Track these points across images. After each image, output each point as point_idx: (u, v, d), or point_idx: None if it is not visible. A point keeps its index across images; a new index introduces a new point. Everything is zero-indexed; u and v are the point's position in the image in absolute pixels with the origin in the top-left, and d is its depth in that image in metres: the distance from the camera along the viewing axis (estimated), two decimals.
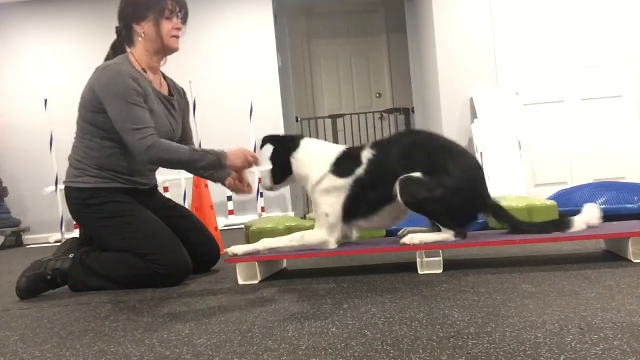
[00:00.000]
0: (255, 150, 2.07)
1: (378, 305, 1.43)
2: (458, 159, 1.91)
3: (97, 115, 2.09)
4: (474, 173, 1.93)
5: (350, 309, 1.42)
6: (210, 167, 2.09)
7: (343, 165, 1.95)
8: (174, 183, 5.18)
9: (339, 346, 1.10)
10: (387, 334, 1.16)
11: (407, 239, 1.89)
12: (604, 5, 5.02)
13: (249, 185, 2.28)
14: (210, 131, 5.22)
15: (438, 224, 1.91)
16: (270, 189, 2.13)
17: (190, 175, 3.84)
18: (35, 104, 5.49)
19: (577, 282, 1.52)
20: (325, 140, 6.99)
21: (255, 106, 5.42)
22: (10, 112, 5.82)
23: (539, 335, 1.05)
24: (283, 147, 2.06)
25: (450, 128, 5.19)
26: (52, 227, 5.54)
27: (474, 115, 5.06)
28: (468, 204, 1.90)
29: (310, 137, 2.11)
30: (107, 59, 2.21)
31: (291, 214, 5.62)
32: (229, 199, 5.35)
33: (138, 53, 2.19)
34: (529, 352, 0.96)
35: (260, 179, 5.44)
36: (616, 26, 5.01)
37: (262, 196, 5.44)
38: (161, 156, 2.03)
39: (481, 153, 4.72)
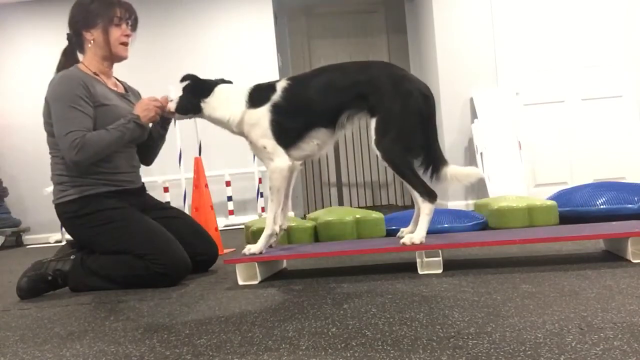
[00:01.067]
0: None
1: (378, 305, 1.43)
2: (383, 80, 1.93)
3: None
4: (404, 81, 1.94)
5: (350, 309, 1.42)
6: (135, 133, 2.14)
7: (256, 97, 2.03)
8: (174, 183, 5.18)
9: (339, 346, 1.10)
10: (387, 334, 1.16)
11: (406, 240, 1.89)
12: (604, 5, 5.02)
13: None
14: (210, 131, 5.21)
15: (413, 191, 1.92)
16: (171, 115, 2.18)
17: (191, 175, 3.84)
18: (35, 104, 5.46)
19: (577, 282, 1.52)
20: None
21: None
22: (10, 112, 5.82)
23: (539, 335, 1.05)
24: (196, 89, 2.12)
25: (450, 128, 5.20)
26: (52, 227, 5.54)
27: (474, 115, 5.06)
28: (417, 125, 1.92)
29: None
30: (59, 64, 2.27)
31: (291, 214, 5.62)
32: (229, 199, 5.36)
33: (88, 59, 2.23)
34: (529, 352, 0.96)
35: (260, 179, 5.45)
36: (616, 26, 5.01)
37: (262, 196, 5.44)
38: (90, 151, 2.05)
39: (481, 153, 4.72)
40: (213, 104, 2.09)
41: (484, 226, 3.18)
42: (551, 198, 3.42)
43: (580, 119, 5.01)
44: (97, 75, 2.22)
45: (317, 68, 2.13)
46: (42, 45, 5.82)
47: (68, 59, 2.26)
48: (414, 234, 1.91)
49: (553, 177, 4.95)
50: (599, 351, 0.94)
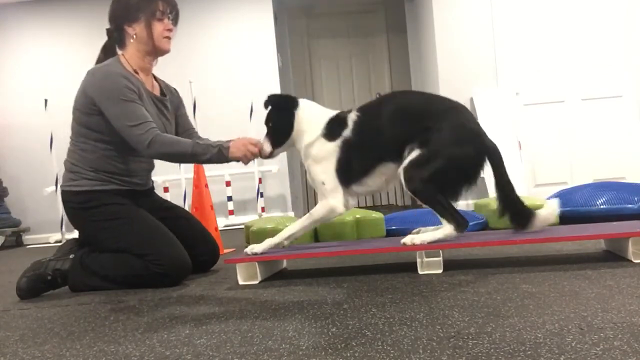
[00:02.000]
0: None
1: (378, 305, 1.43)
2: (447, 114, 1.88)
3: (91, 117, 2.10)
4: (465, 124, 1.89)
5: (350, 309, 1.42)
6: (213, 159, 2.08)
7: (332, 129, 1.96)
8: (174, 183, 5.19)
9: (339, 346, 1.10)
10: (387, 334, 1.15)
11: (407, 239, 1.89)
12: (604, 6, 5.02)
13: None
14: (211, 131, 5.20)
15: (438, 215, 1.89)
16: (270, 156, 2.08)
17: (190, 175, 3.83)
18: (35, 104, 5.49)
19: (577, 282, 1.52)
20: None
21: (255, 106, 5.42)
22: (10, 112, 5.82)
23: (539, 335, 1.05)
24: (284, 106, 2.03)
25: None
26: (52, 227, 5.54)
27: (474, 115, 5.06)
28: (468, 160, 1.85)
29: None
30: (98, 60, 2.23)
31: (291, 214, 5.62)
32: (229, 199, 5.36)
33: (129, 54, 2.20)
34: (529, 352, 0.96)
35: (260, 179, 5.45)
36: (616, 26, 5.01)
37: (262, 196, 5.44)
38: (163, 150, 2.04)
39: None
40: (301, 116, 2.00)
41: (484, 226, 3.18)
42: (551, 198, 3.42)
43: (580, 119, 5.02)
44: (136, 72, 2.19)
45: (386, 95, 2.06)
46: (42, 45, 5.83)
47: (107, 55, 2.23)
48: (418, 235, 1.89)
49: (553, 177, 4.95)
50: (599, 351, 0.94)
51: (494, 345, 1.02)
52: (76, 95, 2.14)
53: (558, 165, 5.00)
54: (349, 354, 1.04)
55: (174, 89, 2.44)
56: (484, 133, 1.92)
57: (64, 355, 1.22)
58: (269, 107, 2.06)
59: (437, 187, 1.84)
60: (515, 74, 5.10)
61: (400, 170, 1.88)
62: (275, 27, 5.93)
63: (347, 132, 1.93)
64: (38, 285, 2.06)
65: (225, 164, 2.21)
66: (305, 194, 7.02)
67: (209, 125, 5.27)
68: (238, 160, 2.11)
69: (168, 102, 2.32)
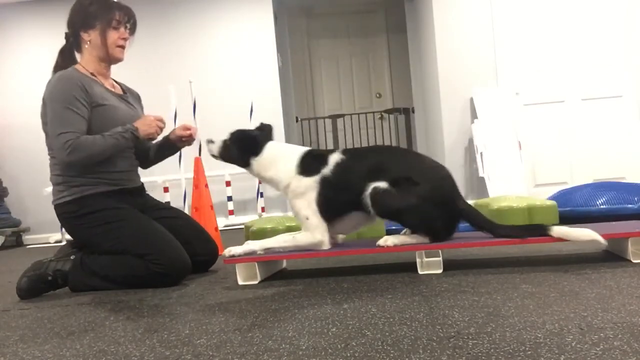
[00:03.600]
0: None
1: (378, 305, 1.43)
2: (424, 169, 1.91)
3: None
4: (441, 182, 1.90)
5: (350, 309, 1.42)
6: (130, 142, 2.14)
7: (308, 165, 1.97)
8: (174, 183, 5.18)
9: (339, 346, 1.10)
10: (387, 334, 1.15)
11: (381, 241, 1.90)
12: (604, 6, 5.02)
13: (188, 129, 2.34)
14: (210, 131, 5.22)
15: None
16: (213, 156, 2.16)
17: (190, 175, 3.83)
18: (35, 104, 5.46)
19: (577, 282, 1.52)
20: (326, 140, 6.96)
21: (255, 106, 5.41)
22: (10, 112, 5.83)
23: (539, 335, 1.05)
24: (248, 145, 2.07)
25: (450, 128, 5.20)
26: (52, 227, 5.54)
27: (474, 115, 5.06)
28: (439, 211, 1.86)
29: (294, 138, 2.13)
30: (56, 64, 2.27)
31: (291, 214, 5.62)
32: (229, 199, 5.36)
33: (85, 60, 2.24)
34: (529, 352, 0.96)
35: (260, 181, 5.45)
36: (616, 26, 5.01)
37: (262, 196, 5.44)
38: (83, 154, 2.06)
39: (481, 153, 4.72)
40: (264, 163, 2.04)
41: None
42: (551, 198, 3.42)
43: (580, 119, 5.02)
44: (94, 75, 2.22)
45: (375, 146, 2.06)
46: (42, 45, 5.82)
47: (65, 58, 2.26)
48: (392, 236, 1.90)
49: (553, 177, 4.95)
50: (599, 351, 0.94)
51: (494, 345, 1.02)
52: (40, 110, 2.17)
53: (558, 165, 5.00)
54: (349, 354, 1.04)
55: (137, 93, 2.48)
56: (459, 195, 1.92)
57: (64, 355, 1.22)
58: (232, 139, 2.10)
59: (406, 213, 1.85)
60: (515, 74, 5.10)
61: (367, 194, 1.85)
62: (275, 27, 5.93)
63: (326, 170, 1.94)
64: (38, 285, 2.06)
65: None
66: None
67: (209, 126, 5.27)
68: (151, 137, 2.19)
69: (129, 98, 2.36)
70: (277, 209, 5.74)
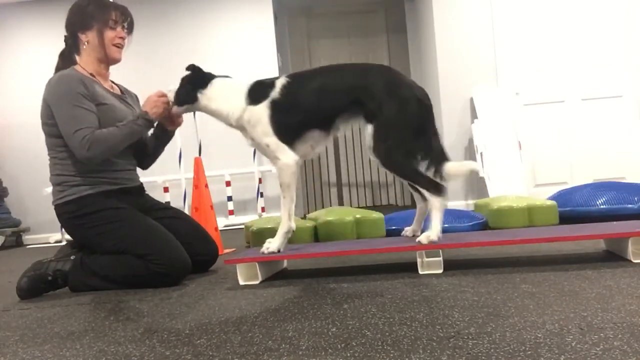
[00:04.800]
0: None
1: (378, 305, 1.43)
2: (380, 85, 1.93)
3: (57, 127, 2.11)
4: (402, 88, 1.94)
5: (350, 309, 1.42)
6: (144, 128, 2.17)
7: (255, 93, 2.03)
8: (174, 183, 5.18)
9: (339, 346, 1.10)
10: (387, 334, 1.16)
11: (422, 238, 1.88)
12: (604, 6, 5.02)
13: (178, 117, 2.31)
14: (211, 131, 5.23)
15: (421, 189, 1.94)
16: (173, 104, 2.16)
17: (190, 175, 3.83)
18: (35, 104, 5.47)
19: (577, 282, 1.52)
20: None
21: None
22: (11, 112, 5.83)
23: (539, 335, 1.05)
24: (195, 79, 2.11)
25: (450, 128, 5.20)
26: (52, 227, 5.54)
27: (474, 115, 5.06)
28: (420, 128, 1.93)
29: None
30: (57, 67, 2.27)
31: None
32: (229, 199, 5.36)
33: (84, 61, 2.25)
34: (529, 352, 0.96)
35: (260, 179, 5.45)
36: (616, 26, 5.01)
37: (262, 196, 5.44)
38: (101, 148, 2.06)
39: (481, 153, 4.72)
40: (210, 95, 2.08)
41: (484, 226, 3.18)
42: (551, 198, 3.42)
43: (580, 119, 5.02)
44: (93, 76, 2.23)
45: (318, 68, 2.11)
46: (42, 45, 5.83)
47: (65, 61, 2.27)
48: (430, 231, 1.88)
49: (553, 177, 4.95)
50: (599, 351, 0.94)
51: (494, 345, 1.02)
52: (40, 110, 2.17)
53: (558, 165, 5.00)
54: (349, 354, 1.04)
55: (135, 94, 2.48)
56: (412, 83, 1.99)
57: (64, 355, 1.22)
58: (187, 73, 2.13)
59: (405, 152, 1.90)
60: (515, 74, 5.10)
61: (370, 150, 1.92)
62: (275, 27, 5.93)
63: (274, 94, 1.99)
64: (38, 285, 2.06)
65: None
66: (305, 194, 7.03)
67: (209, 126, 5.28)
68: (160, 116, 2.19)
69: (128, 99, 2.36)
70: (277, 209, 5.73)
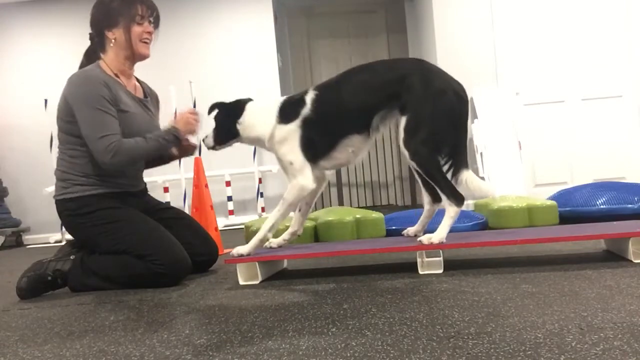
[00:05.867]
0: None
1: (378, 305, 1.43)
2: (415, 75, 1.90)
3: (74, 125, 2.10)
4: (438, 79, 1.91)
5: (350, 309, 1.42)
6: (171, 144, 2.16)
7: (286, 112, 1.99)
8: (174, 183, 5.18)
9: (339, 346, 1.10)
10: (387, 334, 1.15)
11: (424, 239, 1.87)
12: (604, 6, 5.02)
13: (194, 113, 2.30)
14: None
15: (440, 192, 1.89)
16: (213, 149, 2.15)
17: (190, 175, 3.83)
18: (35, 104, 5.48)
19: (577, 282, 1.52)
20: None
21: None
22: (11, 112, 5.83)
23: (539, 335, 1.05)
24: (228, 114, 2.09)
25: None
26: (52, 227, 5.54)
27: (474, 115, 5.06)
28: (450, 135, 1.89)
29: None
30: (81, 66, 2.24)
31: (291, 213, 5.62)
32: (229, 199, 5.36)
33: (109, 59, 2.21)
34: (529, 352, 0.96)
35: (260, 179, 5.45)
36: (616, 26, 5.01)
37: (262, 196, 5.44)
38: (126, 158, 2.07)
39: (481, 153, 4.72)
40: (247, 123, 2.05)
41: (484, 226, 3.18)
42: (551, 198, 3.42)
43: (580, 119, 5.02)
44: (117, 76, 2.20)
45: (345, 72, 2.05)
46: (42, 45, 5.83)
47: (90, 59, 2.24)
48: (435, 233, 1.87)
49: (553, 177, 4.96)
50: (599, 351, 0.94)
51: (494, 345, 1.02)
52: (58, 104, 2.15)
53: (558, 165, 5.00)
54: (349, 354, 1.04)
55: (156, 95, 2.47)
56: (448, 75, 1.95)
57: (64, 355, 1.22)
58: (214, 112, 2.12)
59: (434, 149, 1.86)
60: (515, 74, 5.10)
61: (401, 142, 1.89)
62: (275, 27, 5.93)
63: (305, 111, 1.96)
64: (38, 285, 2.06)
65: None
66: None
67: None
68: (191, 134, 2.20)
69: (149, 103, 2.35)
70: None
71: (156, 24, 2.26)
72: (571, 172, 4.99)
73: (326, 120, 1.95)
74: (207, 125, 2.17)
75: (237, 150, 5.47)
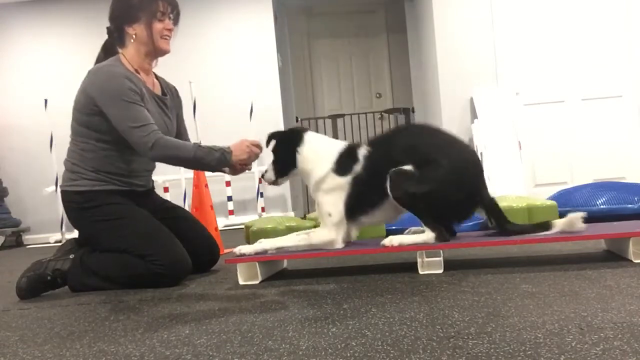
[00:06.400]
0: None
1: (378, 305, 1.43)
2: (452, 151, 1.90)
3: (91, 117, 2.09)
4: (466, 165, 1.91)
5: (350, 309, 1.42)
6: (216, 163, 2.06)
7: (343, 163, 1.96)
8: (174, 183, 5.18)
9: (339, 346, 1.10)
10: (387, 334, 1.15)
11: (386, 241, 1.89)
12: (604, 6, 5.02)
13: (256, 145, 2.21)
14: (211, 131, 5.22)
15: (421, 222, 1.89)
16: (274, 183, 2.11)
17: (190, 175, 3.83)
18: (35, 104, 5.49)
19: (577, 282, 1.52)
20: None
21: (255, 106, 5.42)
22: (11, 112, 5.83)
23: (539, 335, 1.05)
24: (287, 142, 2.04)
25: (450, 128, 5.14)
26: (52, 227, 5.54)
27: (474, 115, 5.06)
28: (459, 197, 1.87)
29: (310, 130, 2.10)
30: (98, 59, 2.22)
31: (291, 214, 5.62)
32: (229, 199, 5.36)
33: (129, 54, 2.19)
34: (529, 352, 0.96)
35: (260, 179, 5.44)
36: (616, 26, 5.01)
37: (262, 196, 5.44)
38: (166, 153, 2.04)
39: (481, 153, 4.72)
40: (306, 155, 2.00)
41: (484, 226, 3.18)
42: (551, 198, 3.42)
43: (580, 119, 5.02)
44: (137, 72, 2.18)
45: (395, 129, 2.09)
46: (42, 45, 5.83)
47: (108, 53, 2.22)
48: (397, 236, 1.90)
49: (553, 177, 4.95)
50: (599, 351, 0.94)
51: (494, 345, 1.02)
52: (76, 95, 2.13)
53: (558, 165, 5.00)
54: (349, 354, 1.04)
55: (174, 87, 2.45)
56: (483, 181, 1.93)
57: (64, 355, 1.22)
58: (273, 142, 2.07)
59: (423, 201, 1.84)
60: (515, 74, 5.10)
61: (388, 176, 1.86)
62: (275, 27, 5.93)
63: (358, 168, 1.93)
64: (38, 285, 2.06)
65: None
66: (305, 194, 7.02)
67: (209, 126, 5.28)
68: (244, 164, 2.11)
69: (168, 101, 2.32)
70: (277, 209, 5.74)
71: (176, 20, 2.24)
72: (571, 172, 4.99)
73: (375, 179, 1.91)
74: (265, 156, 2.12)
75: None
